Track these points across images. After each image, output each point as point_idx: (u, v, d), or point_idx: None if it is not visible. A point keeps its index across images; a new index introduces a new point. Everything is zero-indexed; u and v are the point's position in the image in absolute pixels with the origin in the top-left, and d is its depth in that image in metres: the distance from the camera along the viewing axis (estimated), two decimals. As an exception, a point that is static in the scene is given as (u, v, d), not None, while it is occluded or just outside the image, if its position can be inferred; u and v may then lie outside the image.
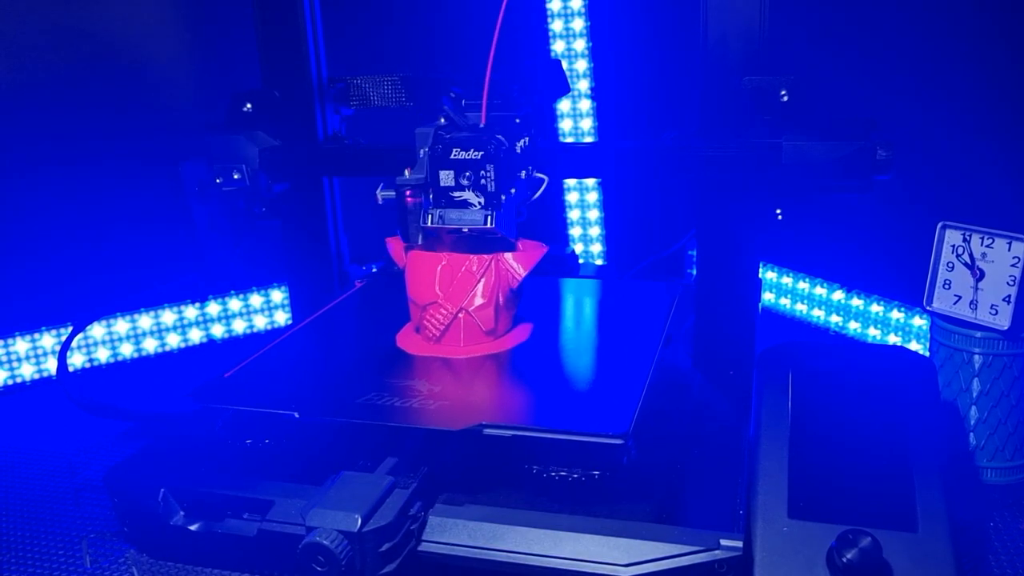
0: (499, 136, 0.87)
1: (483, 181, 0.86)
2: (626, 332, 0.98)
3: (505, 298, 0.93)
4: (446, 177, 0.87)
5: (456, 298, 0.91)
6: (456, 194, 0.87)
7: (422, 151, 0.88)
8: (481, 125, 0.88)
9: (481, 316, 0.92)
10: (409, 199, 0.88)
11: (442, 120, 0.89)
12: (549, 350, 0.94)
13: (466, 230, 0.88)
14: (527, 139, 0.93)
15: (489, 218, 0.86)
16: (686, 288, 1.07)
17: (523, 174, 0.92)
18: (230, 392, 0.87)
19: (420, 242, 0.91)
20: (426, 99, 1.13)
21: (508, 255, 0.93)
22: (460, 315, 0.92)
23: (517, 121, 0.91)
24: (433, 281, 0.92)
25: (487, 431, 0.76)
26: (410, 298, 0.94)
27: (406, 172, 0.88)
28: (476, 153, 0.85)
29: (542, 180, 0.95)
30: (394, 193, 0.89)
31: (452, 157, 0.86)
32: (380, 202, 0.91)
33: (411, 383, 0.85)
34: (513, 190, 0.90)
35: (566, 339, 0.98)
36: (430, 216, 0.88)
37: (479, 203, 0.87)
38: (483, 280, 0.92)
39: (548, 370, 0.90)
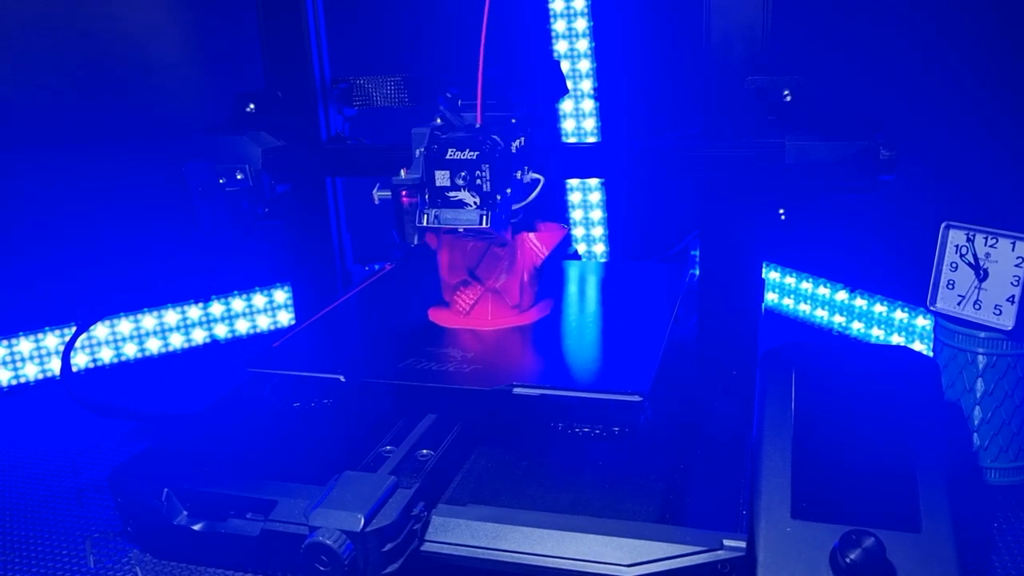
0: (495, 136, 0.86)
1: (478, 181, 0.86)
2: (641, 307, 1.04)
3: (529, 275, 0.99)
4: (442, 177, 0.86)
5: (484, 275, 0.98)
6: (452, 194, 0.87)
7: (418, 151, 0.87)
8: (477, 125, 0.89)
9: (507, 292, 0.98)
10: (405, 199, 0.88)
11: (438, 120, 0.90)
12: (570, 322, 1.00)
13: (461, 230, 0.88)
14: (523, 139, 0.92)
15: (484, 218, 0.86)
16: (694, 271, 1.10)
17: (519, 174, 0.92)
18: (280, 359, 0.94)
19: (416, 243, 0.91)
20: (429, 99, 1.13)
21: (532, 236, 0.98)
22: (488, 291, 0.98)
23: (513, 121, 0.91)
24: (463, 260, 0.98)
25: (517, 390, 0.82)
26: (442, 276, 1.00)
27: (402, 172, 0.88)
28: (471, 153, 0.85)
29: (538, 181, 0.95)
30: (390, 193, 0.89)
31: (448, 157, 0.86)
32: (377, 202, 0.91)
33: (445, 351, 0.92)
34: (509, 190, 0.90)
35: (585, 313, 1.04)
36: (426, 216, 0.88)
37: (474, 203, 0.86)
38: (508, 259, 0.97)
39: (570, 339, 0.96)
